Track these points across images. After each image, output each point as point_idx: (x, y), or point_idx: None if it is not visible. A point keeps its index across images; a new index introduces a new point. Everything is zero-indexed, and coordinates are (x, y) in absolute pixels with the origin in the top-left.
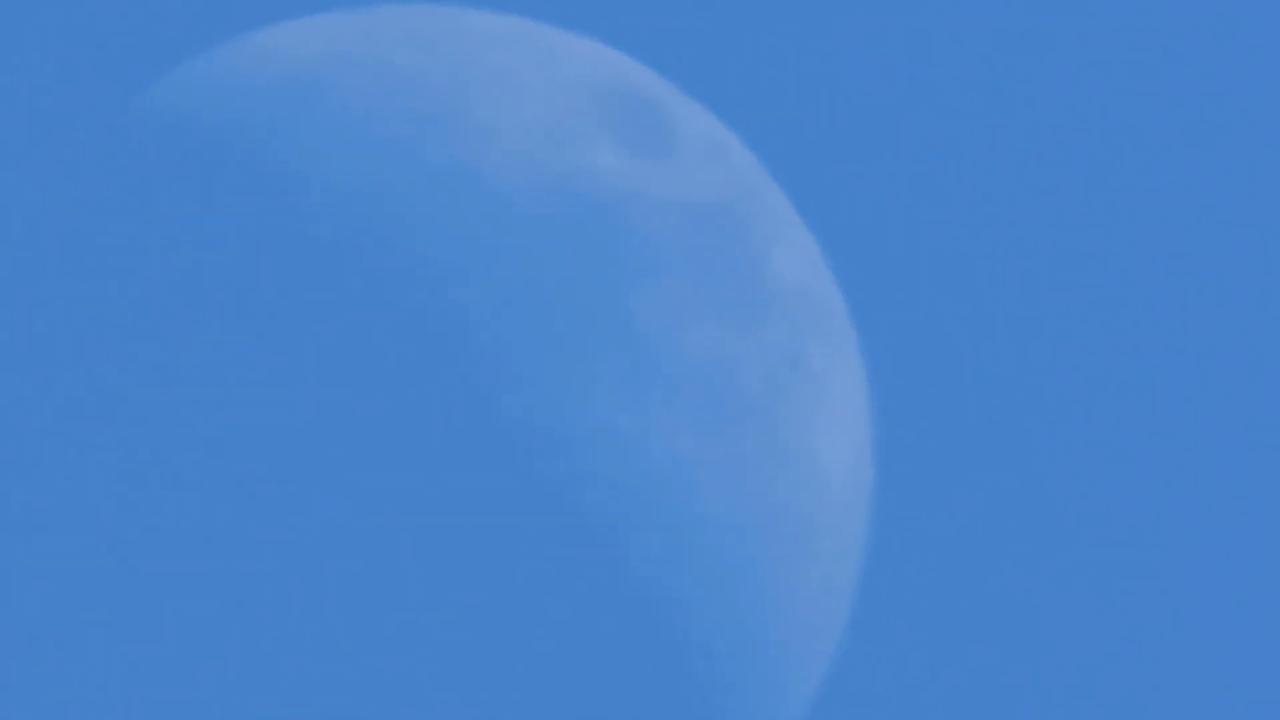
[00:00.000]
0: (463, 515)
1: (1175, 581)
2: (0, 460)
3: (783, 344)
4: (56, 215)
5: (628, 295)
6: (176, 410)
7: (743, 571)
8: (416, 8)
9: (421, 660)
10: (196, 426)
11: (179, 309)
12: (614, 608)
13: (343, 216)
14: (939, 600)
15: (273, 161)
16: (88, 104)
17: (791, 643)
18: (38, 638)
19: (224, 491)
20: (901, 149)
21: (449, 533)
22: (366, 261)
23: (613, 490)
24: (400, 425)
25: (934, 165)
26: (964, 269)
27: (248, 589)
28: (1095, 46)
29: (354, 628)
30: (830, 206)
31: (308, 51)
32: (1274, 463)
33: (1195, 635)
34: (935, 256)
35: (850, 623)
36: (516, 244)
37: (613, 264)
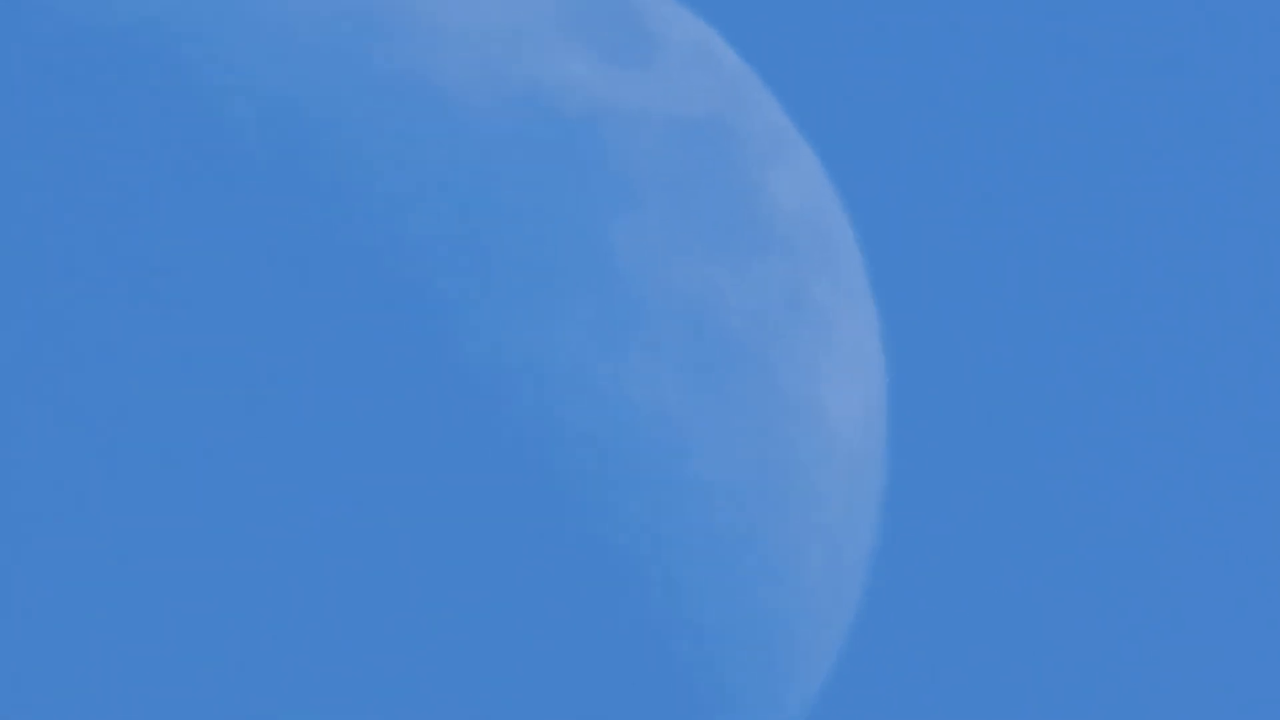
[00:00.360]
0: (415, 477)
1: (1206, 532)
2: None
3: (781, 280)
4: None
5: (604, 225)
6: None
7: (737, 544)
8: None
9: (381, 640)
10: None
11: (81, 238)
12: (587, 585)
13: (273, 134)
14: (963, 577)
15: (190, 70)
16: None
17: (795, 627)
18: (27, 637)
19: (170, 416)
20: (914, 52)
21: (399, 499)
22: (300, 187)
23: (586, 448)
24: (343, 375)
25: (951, 70)
26: (988, 192)
27: (216, 500)
28: None
29: (313, 595)
30: (833, 120)
31: None
32: None
33: (1221, 595)
34: (955, 177)
35: (862, 603)
36: (475, 166)
37: (585, 189)
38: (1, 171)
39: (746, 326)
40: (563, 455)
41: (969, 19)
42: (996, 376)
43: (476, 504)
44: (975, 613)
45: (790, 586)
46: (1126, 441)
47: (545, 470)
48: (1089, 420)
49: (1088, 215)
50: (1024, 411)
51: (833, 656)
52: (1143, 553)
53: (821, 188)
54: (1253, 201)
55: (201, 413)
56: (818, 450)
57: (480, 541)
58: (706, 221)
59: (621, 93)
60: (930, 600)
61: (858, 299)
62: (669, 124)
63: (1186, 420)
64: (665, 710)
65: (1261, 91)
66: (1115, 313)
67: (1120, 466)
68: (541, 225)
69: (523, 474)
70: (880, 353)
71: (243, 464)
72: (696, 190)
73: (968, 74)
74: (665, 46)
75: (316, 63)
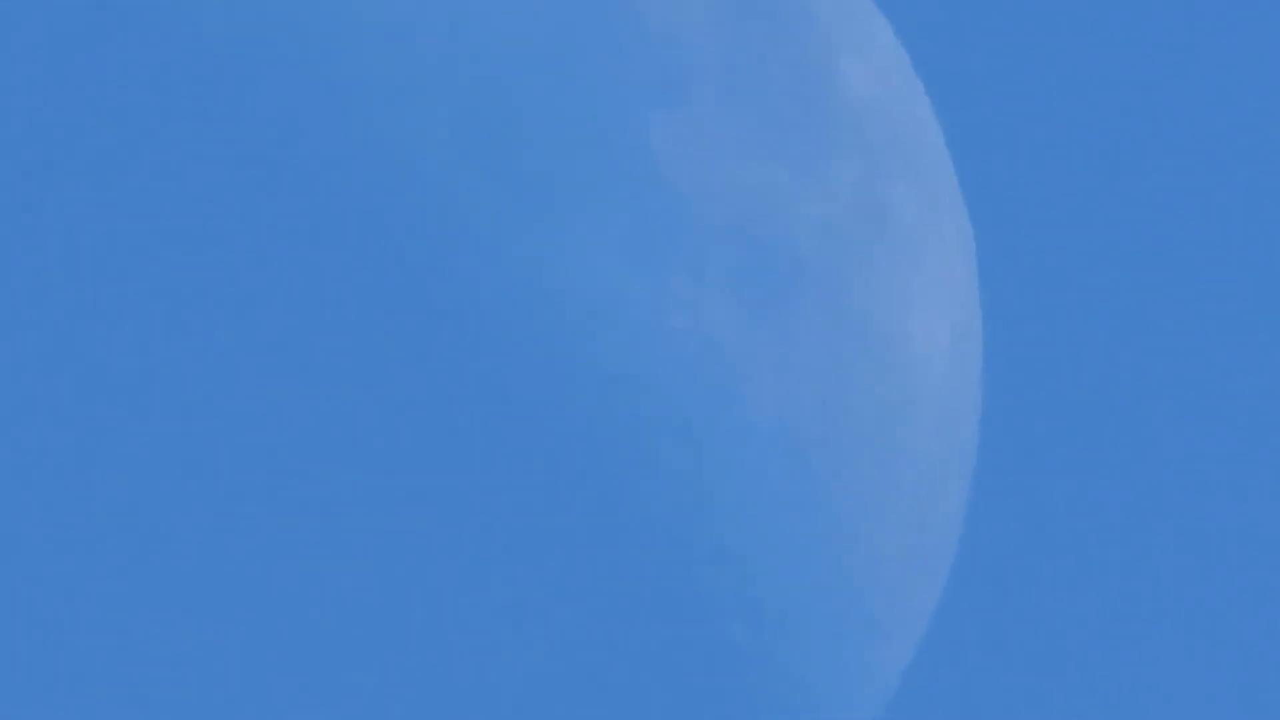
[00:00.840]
0: (427, 435)
1: None
2: None
3: (855, 186)
4: None
5: (640, 119)
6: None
7: (800, 507)
8: None
9: (388, 612)
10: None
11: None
12: (622, 555)
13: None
14: (1066, 547)
15: None
16: None
17: (870, 605)
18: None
19: (145, 370)
20: None
21: (411, 465)
22: (281, 70)
23: (620, 389)
24: (338, 296)
25: None
26: (1104, 88)
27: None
28: None
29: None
30: None
31: None
32: None
33: None
34: (1066, 65)
35: (951, 578)
36: (487, 45)
37: (621, 74)
38: None
39: (812, 242)
40: (592, 398)
41: None
42: (1109, 306)
43: (494, 461)
44: (1079, 586)
45: (864, 558)
46: (1253, 398)
47: (571, 417)
48: (1213, 369)
49: (1213, 121)
50: (1142, 348)
51: (915, 642)
52: (1263, 511)
53: (904, 74)
54: None
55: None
56: (898, 393)
57: (498, 505)
58: (764, 115)
59: None
60: (1028, 575)
61: (947, 209)
62: None
63: None
64: (717, 707)
65: None
66: (1240, 236)
67: (1244, 425)
68: (566, 116)
69: (545, 421)
70: (974, 274)
71: (267, 395)
72: (753, 77)
73: None
74: None
75: None
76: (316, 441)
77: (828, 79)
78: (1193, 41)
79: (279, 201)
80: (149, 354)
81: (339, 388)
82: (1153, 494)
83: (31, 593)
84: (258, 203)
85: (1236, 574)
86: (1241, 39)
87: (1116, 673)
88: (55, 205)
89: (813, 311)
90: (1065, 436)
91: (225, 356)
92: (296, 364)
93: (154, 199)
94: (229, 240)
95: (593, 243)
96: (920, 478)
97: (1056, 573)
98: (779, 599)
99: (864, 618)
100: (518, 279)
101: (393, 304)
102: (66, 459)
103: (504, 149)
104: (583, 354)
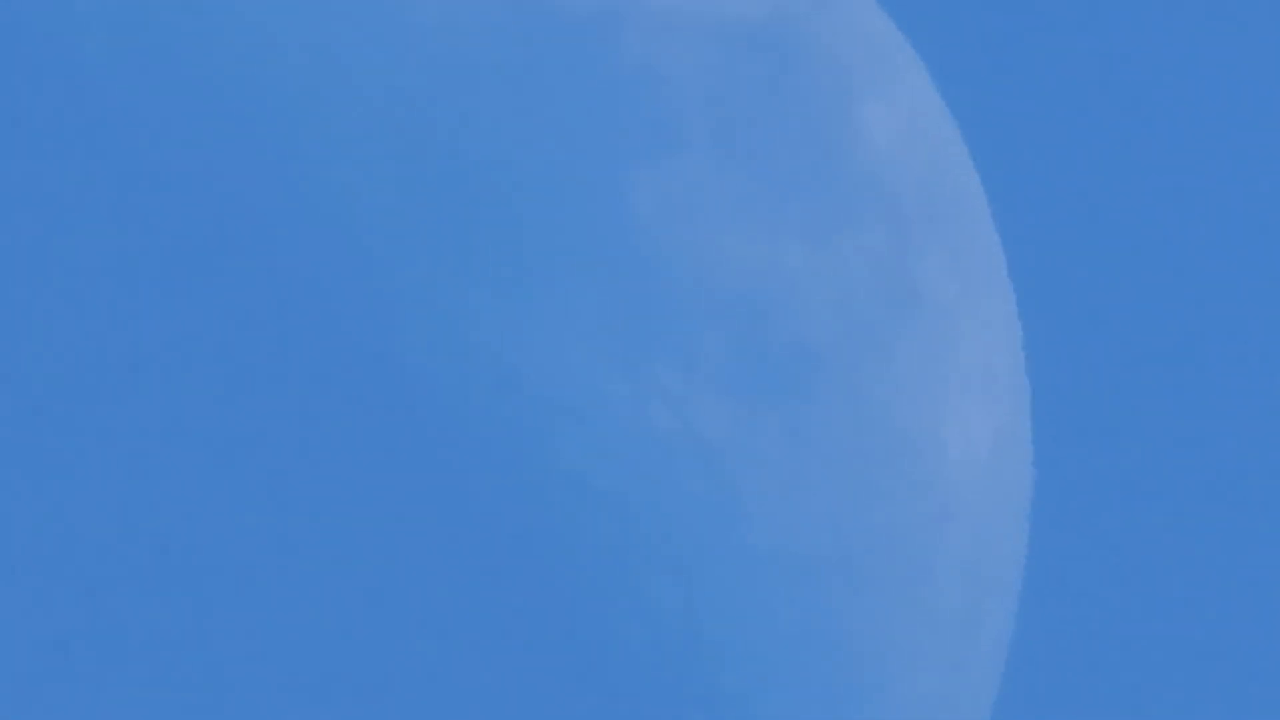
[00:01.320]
0: (357, 550)
1: None
2: None
3: (878, 261)
4: None
5: (624, 175)
6: None
7: (818, 646)
8: None
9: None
10: None
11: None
12: (604, 714)
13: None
14: (1127, 686)
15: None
16: None
17: None
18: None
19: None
20: None
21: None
22: (203, 121)
23: (595, 504)
24: (263, 388)
25: None
26: (1169, 138)
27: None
28: None
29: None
30: (955, 27)
31: None
32: None
33: None
34: (1132, 110)
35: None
36: (438, 86)
37: (598, 122)
38: None
39: (826, 328)
40: (559, 516)
41: None
42: (1181, 406)
43: (443, 595)
44: None
45: (889, 708)
46: None
47: (534, 539)
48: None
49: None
50: (1219, 454)
51: None
52: None
53: (937, 122)
54: None
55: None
56: (929, 510)
57: (450, 647)
58: (769, 173)
59: None
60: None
61: (988, 287)
62: (718, 30)
63: None
64: None
65: None
66: None
67: None
68: (530, 179)
69: (502, 545)
70: (1021, 367)
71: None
72: (756, 128)
73: None
74: None
75: None
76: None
77: (845, 128)
78: (1252, 107)
79: (199, 275)
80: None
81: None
82: (1237, 617)
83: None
84: (176, 277)
85: None
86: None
87: None
88: None
89: (826, 412)
90: (1127, 560)
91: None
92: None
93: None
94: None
95: (562, 327)
96: (955, 610)
97: None
98: None
99: None
100: (470, 370)
101: (316, 401)
102: None
103: (456, 213)
104: (548, 462)
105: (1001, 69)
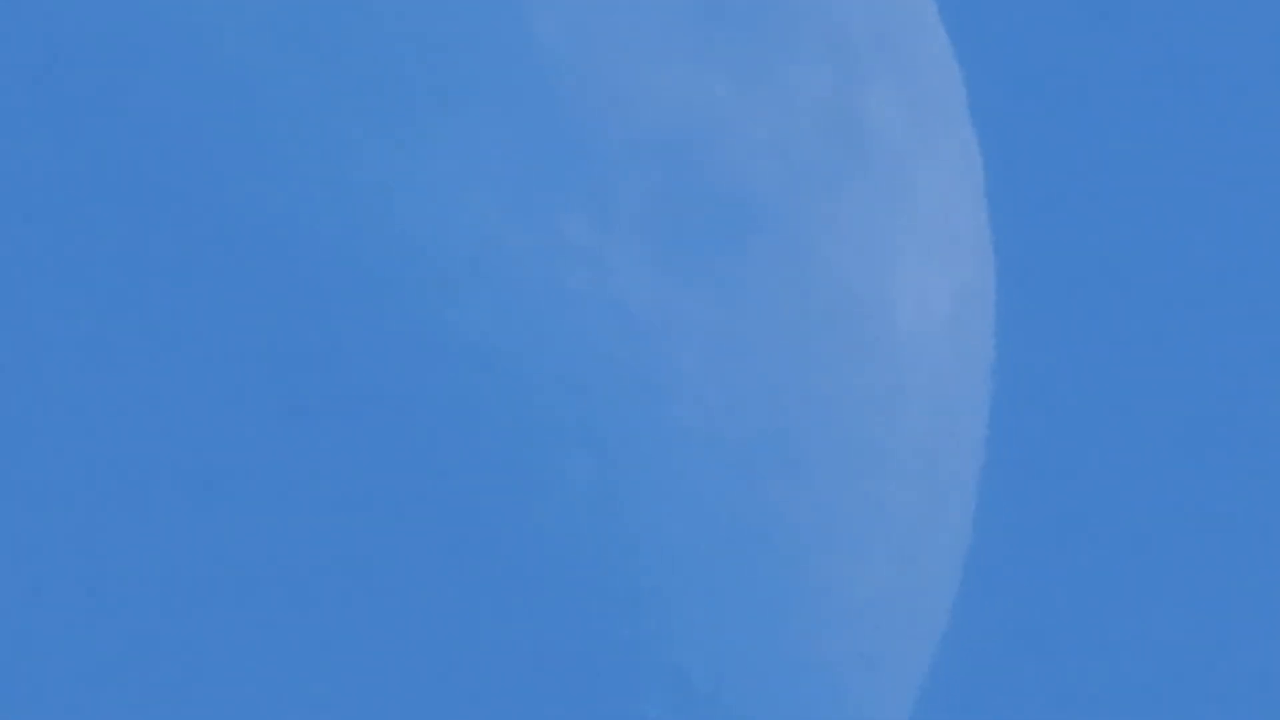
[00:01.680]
0: (233, 422)
1: None
2: None
3: (824, 97)
4: None
5: (529, 9)
6: None
7: (753, 538)
8: None
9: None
10: None
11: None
12: (508, 609)
13: None
14: (1099, 579)
15: None
16: None
17: (850, 673)
18: None
19: None
20: None
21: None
22: None
23: (496, 373)
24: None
25: None
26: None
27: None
28: None
29: None
30: None
31: None
32: None
33: None
34: None
35: (954, 623)
36: None
37: None
38: None
39: (762, 174)
40: (456, 386)
41: None
42: (1164, 265)
43: (324, 473)
44: (1114, 629)
45: (835, 609)
46: None
47: (427, 413)
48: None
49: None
50: (1205, 323)
51: (904, 712)
52: None
53: None
54: None
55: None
56: (880, 382)
57: (333, 530)
58: (701, 9)
59: None
60: (1048, 621)
61: (948, 130)
62: None
63: None
64: None
65: None
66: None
67: None
68: (420, 4)
69: (392, 418)
70: (984, 217)
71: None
72: None
73: None
74: None
75: None
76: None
77: None
78: None
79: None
80: None
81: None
82: (1208, 505)
83: None
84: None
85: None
86: None
87: None
88: None
89: (762, 271)
90: (1100, 448)
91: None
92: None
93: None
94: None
95: (457, 171)
96: (909, 497)
97: (1086, 616)
98: (715, 667)
99: (833, 691)
100: (352, 222)
101: (188, 244)
102: None
103: (339, 42)
104: (443, 324)
105: None
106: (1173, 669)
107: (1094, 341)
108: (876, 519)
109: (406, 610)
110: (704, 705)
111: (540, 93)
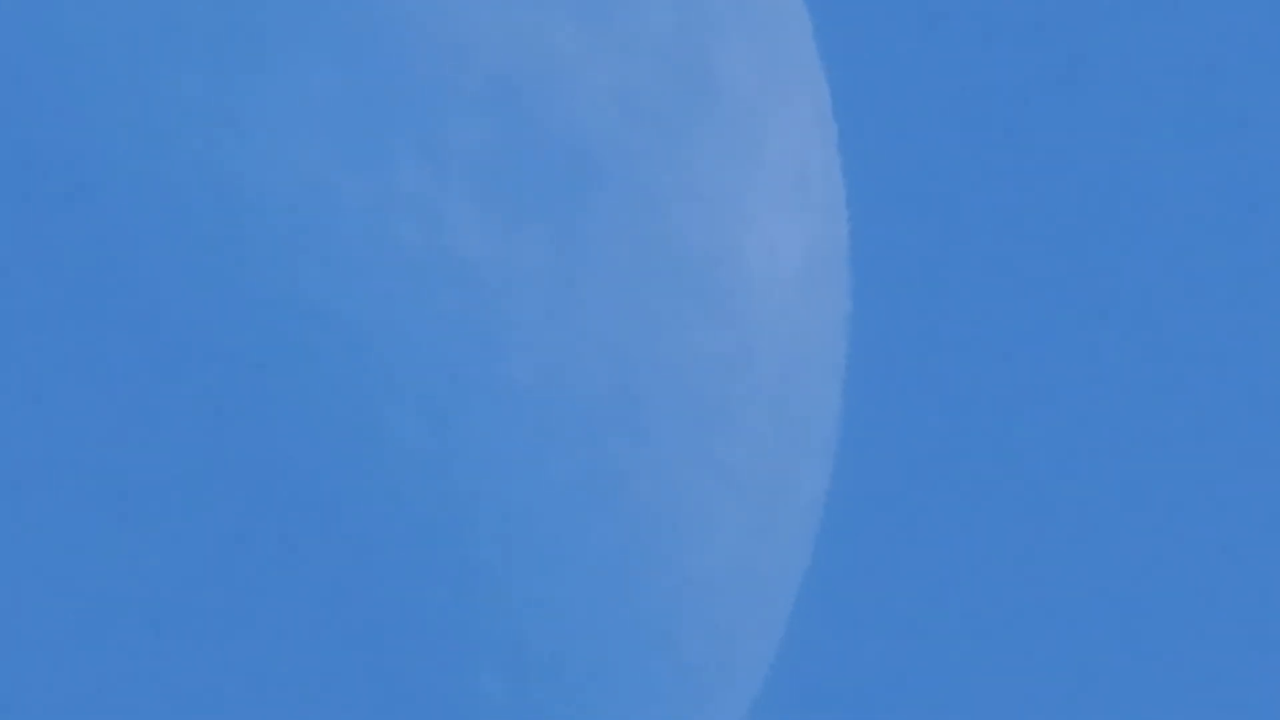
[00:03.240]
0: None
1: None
2: None
3: (668, 42)
4: None
5: None
6: None
7: (594, 504)
8: None
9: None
10: None
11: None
12: (337, 578)
13: None
14: (960, 549)
15: None
16: None
17: (694, 647)
18: None
19: None
20: None
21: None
22: None
23: (325, 330)
24: None
25: None
26: None
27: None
28: None
29: None
30: None
31: None
32: None
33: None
34: None
35: (802, 597)
36: None
37: None
38: None
39: (604, 121)
40: (284, 344)
41: None
42: (1024, 211)
43: (147, 436)
44: (972, 607)
45: (679, 579)
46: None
47: (252, 375)
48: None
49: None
50: (1069, 282)
51: (750, 698)
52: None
53: None
54: None
55: None
56: (728, 340)
57: (158, 495)
58: None
59: None
60: (901, 594)
61: (799, 78)
62: None
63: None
64: None
65: None
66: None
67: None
68: None
69: (212, 381)
70: (836, 166)
71: None
72: None
73: None
74: None
75: None
76: None
77: None
78: None
79: None
80: None
81: None
82: (1077, 477)
83: None
84: None
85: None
86: None
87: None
88: None
89: (604, 224)
90: (955, 395)
91: None
92: None
93: None
94: None
95: (283, 116)
96: (759, 463)
97: (942, 587)
98: (553, 640)
99: (676, 670)
100: (179, 169)
101: None
102: None
103: None
104: (271, 277)
105: None
106: (1025, 637)
107: (948, 296)
108: (725, 485)
109: (230, 579)
110: (543, 678)
111: (371, 37)
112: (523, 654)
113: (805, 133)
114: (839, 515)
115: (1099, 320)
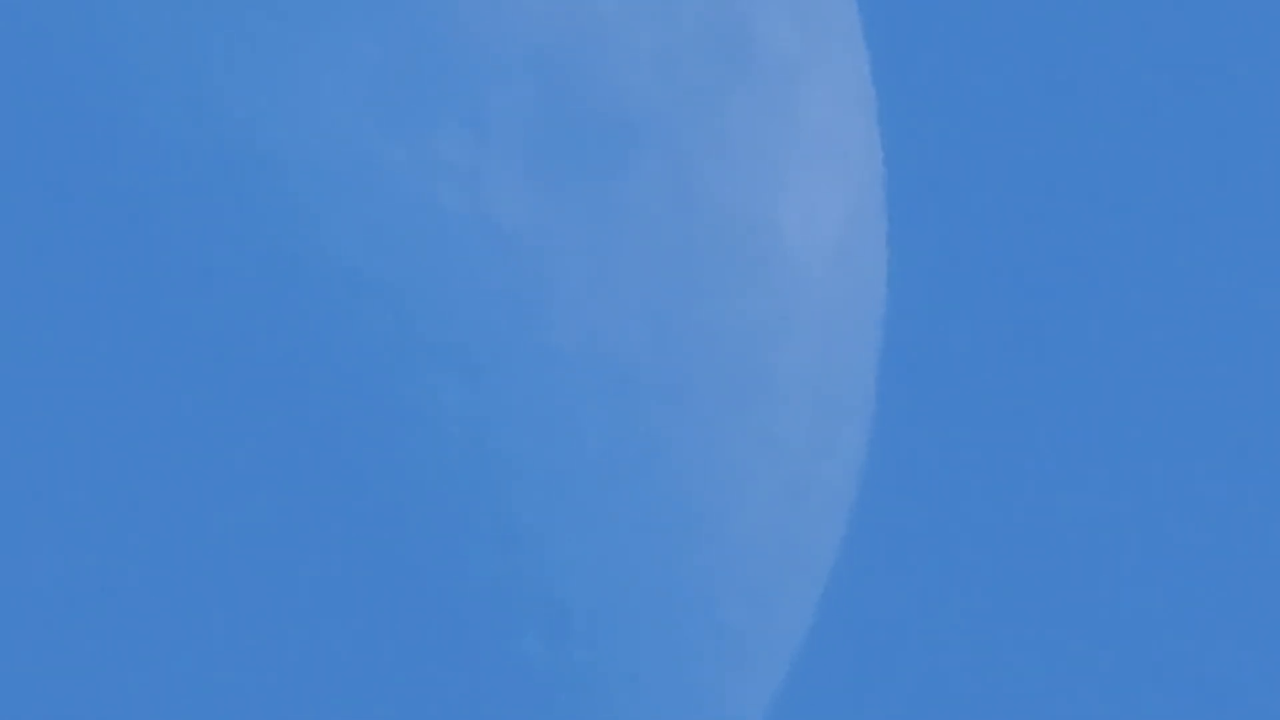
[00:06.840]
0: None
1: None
2: None
3: (712, 13)
4: None
5: None
6: None
7: (632, 470)
8: None
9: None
10: None
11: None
12: (377, 543)
13: None
14: (996, 520)
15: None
16: None
17: (731, 613)
18: None
19: None
20: None
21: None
22: None
23: (366, 295)
24: None
25: None
26: None
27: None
28: None
29: None
30: None
31: None
32: None
33: None
34: None
35: (839, 567)
36: None
37: None
38: None
39: (642, 87)
40: (325, 308)
41: None
42: (1069, 186)
43: (186, 403)
44: (1013, 583)
45: (715, 544)
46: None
47: (294, 336)
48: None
49: None
50: (1117, 259)
51: (785, 665)
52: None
53: None
54: None
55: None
56: (765, 308)
57: (193, 465)
58: None
59: None
60: (941, 566)
61: (839, 42)
62: None
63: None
64: None
65: None
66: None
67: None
68: None
69: (257, 344)
70: (875, 134)
71: None
72: None
73: None
74: None
75: None
76: None
77: None
78: None
79: None
80: None
81: None
82: (1111, 445)
83: None
84: None
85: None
86: None
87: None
88: None
89: (643, 190)
90: (995, 361)
91: None
92: None
93: None
94: None
95: (322, 85)
96: (798, 427)
97: (982, 552)
98: (593, 604)
99: (714, 631)
100: (220, 138)
101: (47, 170)
102: None
103: None
104: (312, 245)
105: None
106: (1071, 614)
107: (989, 263)
108: (763, 450)
109: (270, 544)
110: (582, 640)
111: (413, 4)
112: (562, 616)
113: (844, 102)
114: (876, 480)
115: (1145, 298)
